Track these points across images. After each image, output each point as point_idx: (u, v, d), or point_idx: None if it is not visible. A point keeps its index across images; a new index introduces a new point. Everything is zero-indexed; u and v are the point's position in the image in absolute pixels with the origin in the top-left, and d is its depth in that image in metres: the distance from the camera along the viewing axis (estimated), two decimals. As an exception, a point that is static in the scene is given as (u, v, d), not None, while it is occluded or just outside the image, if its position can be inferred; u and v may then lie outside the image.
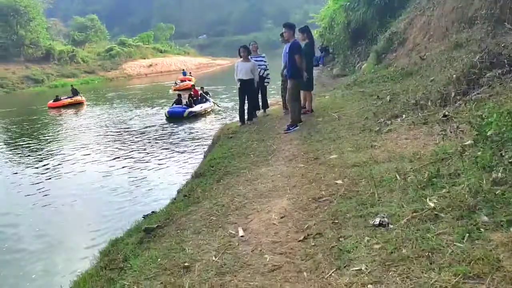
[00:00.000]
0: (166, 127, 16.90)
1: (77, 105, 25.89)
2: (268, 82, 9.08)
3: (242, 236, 3.27)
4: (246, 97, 8.46)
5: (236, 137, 7.59)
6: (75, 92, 26.70)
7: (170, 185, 8.56)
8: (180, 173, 9.59)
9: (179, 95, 20.48)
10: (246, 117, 8.62)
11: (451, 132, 4.24)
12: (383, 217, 2.85)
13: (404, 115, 5.73)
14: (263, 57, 9.01)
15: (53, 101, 25.42)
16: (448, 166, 3.37)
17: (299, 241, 2.94)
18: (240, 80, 8.41)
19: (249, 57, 8.51)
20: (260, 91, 8.90)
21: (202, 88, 21.55)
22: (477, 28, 9.51)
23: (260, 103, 9.19)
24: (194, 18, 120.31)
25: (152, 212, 4.93)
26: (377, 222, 2.79)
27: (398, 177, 3.51)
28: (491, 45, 6.79)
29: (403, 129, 5.09)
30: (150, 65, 54.18)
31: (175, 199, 5.30)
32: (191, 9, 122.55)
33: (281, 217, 3.46)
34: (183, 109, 18.51)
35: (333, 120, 6.95)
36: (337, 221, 3.07)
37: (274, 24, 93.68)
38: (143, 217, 4.94)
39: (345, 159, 4.63)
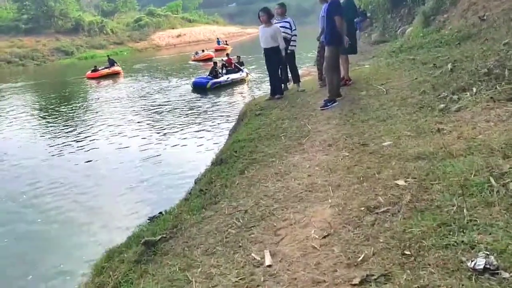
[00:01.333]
0: (191, 100, 16.07)
1: (115, 75, 25.63)
2: (292, 50, 7.67)
3: (269, 266, 2.34)
4: (273, 67, 7.35)
5: (264, 114, 6.59)
6: (111, 62, 26.55)
7: (189, 167, 7.73)
8: (201, 153, 8.75)
9: (215, 63, 19.70)
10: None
11: (556, 113, 3.10)
12: (487, 255, 1.84)
13: (474, 88, 4.55)
14: (287, 22, 7.66)
15: (92, 72, 25.47)
16: None
17: (354, 285, 1.98)
18: (263, 49, 7.33)
19: (272, 21, 7.34)
20: (288, 62, 7.71)
21: (238, 57, 20.55)
22: (550, -18, 8.00)
23: (290, 76, 8.04)
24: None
25: (160, 213, 4.07)
26: (481, 266, 1.77)
27: (493, 182, 2.45)
28: None
29: (479, 107, 3.93)
30: (179, 35, 53.14)
31: (190, 193, 4.42)
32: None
33: (324, 236, 2.50)
34: (206, 80, 17.74)
35: (380, 95, 5.81)
36: (409, 253, 2.08)
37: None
38: (148, 220, 4.10)
39: (403, 147, 3.57)
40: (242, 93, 16.73)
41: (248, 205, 3.22)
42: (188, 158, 8.83)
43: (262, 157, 4.48)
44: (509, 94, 3.94)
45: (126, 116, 14.09)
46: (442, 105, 4.37)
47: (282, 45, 7.20)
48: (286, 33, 7.50)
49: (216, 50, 33.11)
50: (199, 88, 17.72)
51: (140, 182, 7.74)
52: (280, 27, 7.39)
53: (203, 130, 11.21)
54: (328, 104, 6.00)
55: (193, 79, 19.02)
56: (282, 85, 7.71)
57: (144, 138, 10.82)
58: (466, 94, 4.51)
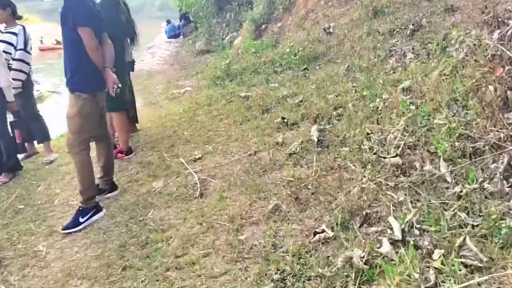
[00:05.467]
0: None
1: None
2: (22, 88, 4.05)
3: None
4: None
5: None
6: None
7: None
8: None
9: None
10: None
11: None
12: None
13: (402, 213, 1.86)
14: (13, 33, 3.99)
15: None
16: None
17: None
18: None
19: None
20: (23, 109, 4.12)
21: None
22: (398, -14, 6.24)
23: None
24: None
25: None
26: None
27: None
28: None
29: None
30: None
31: None
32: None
33: None
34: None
35: (190, 195, 2.79)
36: None
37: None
38: None
39: None
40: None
41: None
42: None
43: None
44: None
45: None
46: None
47: (4, 81, 3.61)
48: (8, 52, 3.89)
49: (41, 51, 25.13)
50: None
51: None
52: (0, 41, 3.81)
53: None
54: (81, 218, 2.75)
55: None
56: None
57: None
58: (384, 237, 1.79)
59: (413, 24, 4.82)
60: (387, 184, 2.14)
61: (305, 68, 5.32)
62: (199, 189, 2.77)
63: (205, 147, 3.49)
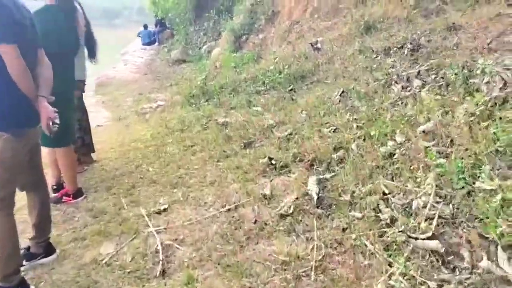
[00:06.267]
0: None
1: None
2: None
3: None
4: None
5: None
6: None
7: None
8: None
9: None
10: None
11: None
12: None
13: None
14: None
15: None
16: None
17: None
18: None
19: None
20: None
21: None
22: None
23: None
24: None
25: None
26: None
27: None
28: None
29: None
30: None
31: None
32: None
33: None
34: None
35: (148, 272, 2.08)
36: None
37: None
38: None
39: None
40: None
41: None
42: None
43: None
44: None
45: None
46: None
47: None
48: None
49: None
50: None
51: None
52: None
53: None
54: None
55: None
56: None
57: None
58: None
59: (410, 43, 4.29)
60: (425, 283, 1.51)
61: (291, 89, 4.71)
62: (161, 262, 2.07)
63: (173, 193, 2.80)
